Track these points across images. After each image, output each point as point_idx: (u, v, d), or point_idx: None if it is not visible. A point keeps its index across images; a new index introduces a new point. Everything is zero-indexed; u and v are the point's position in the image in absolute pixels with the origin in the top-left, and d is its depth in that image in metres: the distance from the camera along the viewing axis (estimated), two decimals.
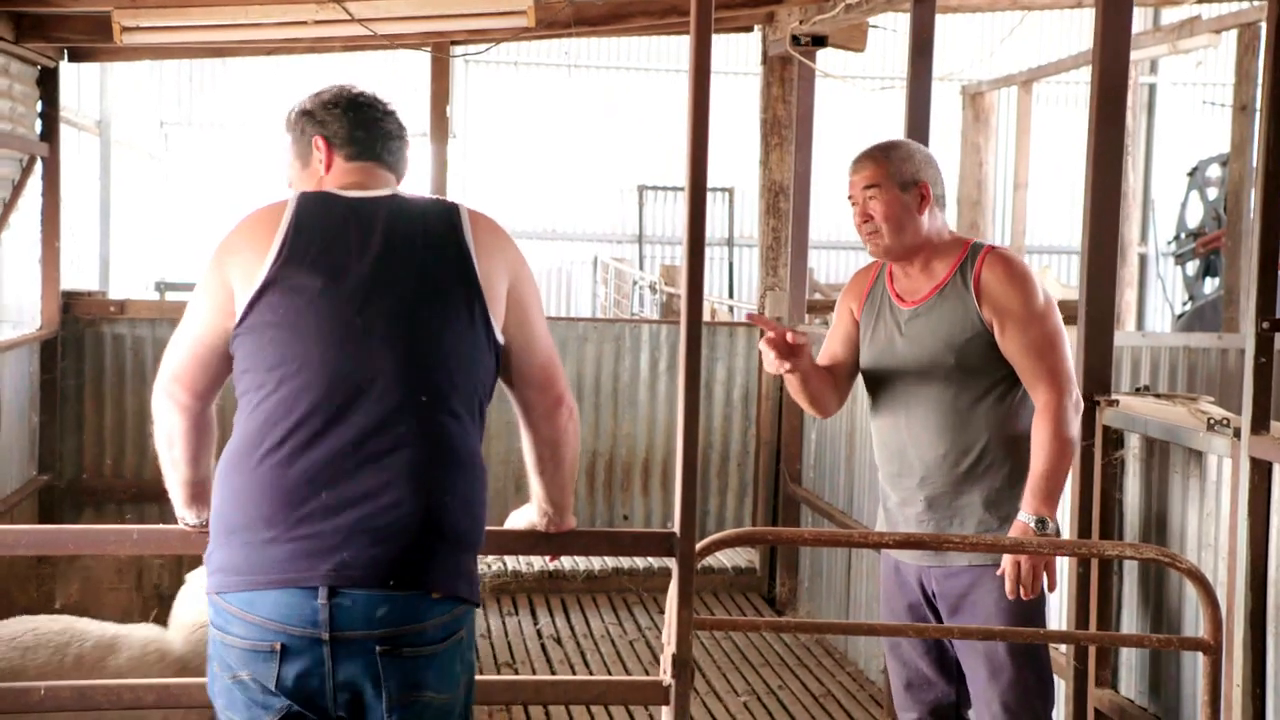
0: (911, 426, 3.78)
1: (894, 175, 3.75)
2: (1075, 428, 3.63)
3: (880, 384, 3.87)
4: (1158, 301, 18.66)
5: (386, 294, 2.77)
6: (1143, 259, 17.70)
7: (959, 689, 3.84)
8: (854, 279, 4.04)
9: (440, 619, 2.71)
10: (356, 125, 3.01)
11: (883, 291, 3.88)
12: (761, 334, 3.94)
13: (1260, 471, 3.41)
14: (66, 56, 6.95)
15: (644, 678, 3.84)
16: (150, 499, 6.76)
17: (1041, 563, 3.55)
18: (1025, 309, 3.64)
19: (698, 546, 3.31)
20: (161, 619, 4.51)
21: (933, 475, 3.74)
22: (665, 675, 3.31)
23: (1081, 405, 3.70)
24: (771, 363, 3.78)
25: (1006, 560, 3.56)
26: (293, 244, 2.78)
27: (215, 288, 2.84)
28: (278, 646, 2.65)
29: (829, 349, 4.05)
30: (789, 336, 3.74)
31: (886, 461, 3.88)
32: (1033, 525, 3.54)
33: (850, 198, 3.82)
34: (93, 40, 6.21)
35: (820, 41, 7.27)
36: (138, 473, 7.11)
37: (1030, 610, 3.62)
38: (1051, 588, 3.61)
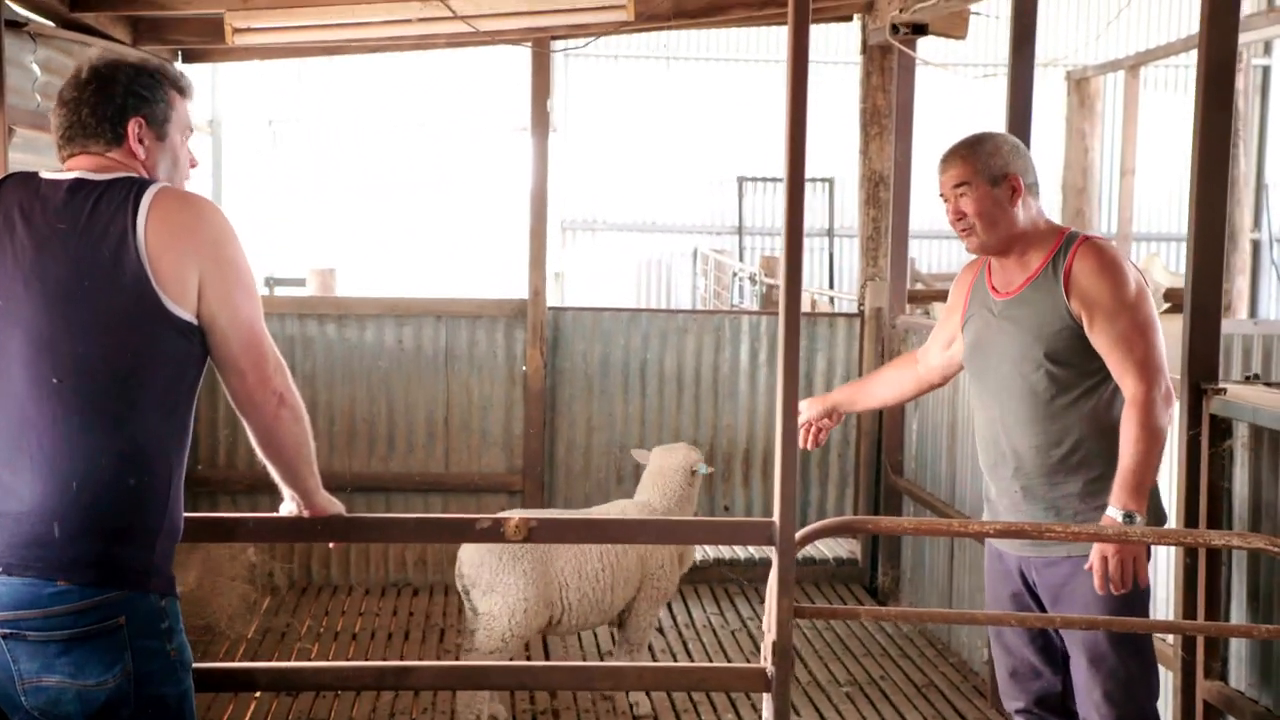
0: (1005, 418, 3.78)
1: (982, 171, 3.75)
2: (1164, 420, 3.58)
3: (977, 375, 3.90)
4: (1272, 288, 18.24)
5: (35, 280, 2.79)
6: (1255, 245, 17.31)
7: (1065, 679, 3.82)
8: (962, 271, 4.09)
9: (69, 606, 2.70)
10: None
11: (983, 283, 3.91)
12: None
13: None
14: (181, 58, 7.12)
15: (746, 665, 3.86)
16: (263, 490, 6.89)
17: (1130, 557, 3.50)
18: (1113, 300, 3.61)
19: (797, 535, 3.32)
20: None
21: (1026, 466, 3.75)
22: (766, 663, 3.33)
23: (1173, 397, 3.64)
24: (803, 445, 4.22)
25: (1094, 555, 3.53)
26: None
27: None
28: None
29: (936, 337, 4.15)
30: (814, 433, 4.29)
31: (984, 452, 3.92)
32: (1120, 519, 3.50)
33: (942, 195, 3.84)
34: (205, 42, 6.37)
35: (920, 30, 7.23)
36: (249, 464, 7.27)
37: (1130, 601, 3.59)
38: (1143, 583, 3.57)
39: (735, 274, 16.05)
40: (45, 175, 2.92)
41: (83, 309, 2.77)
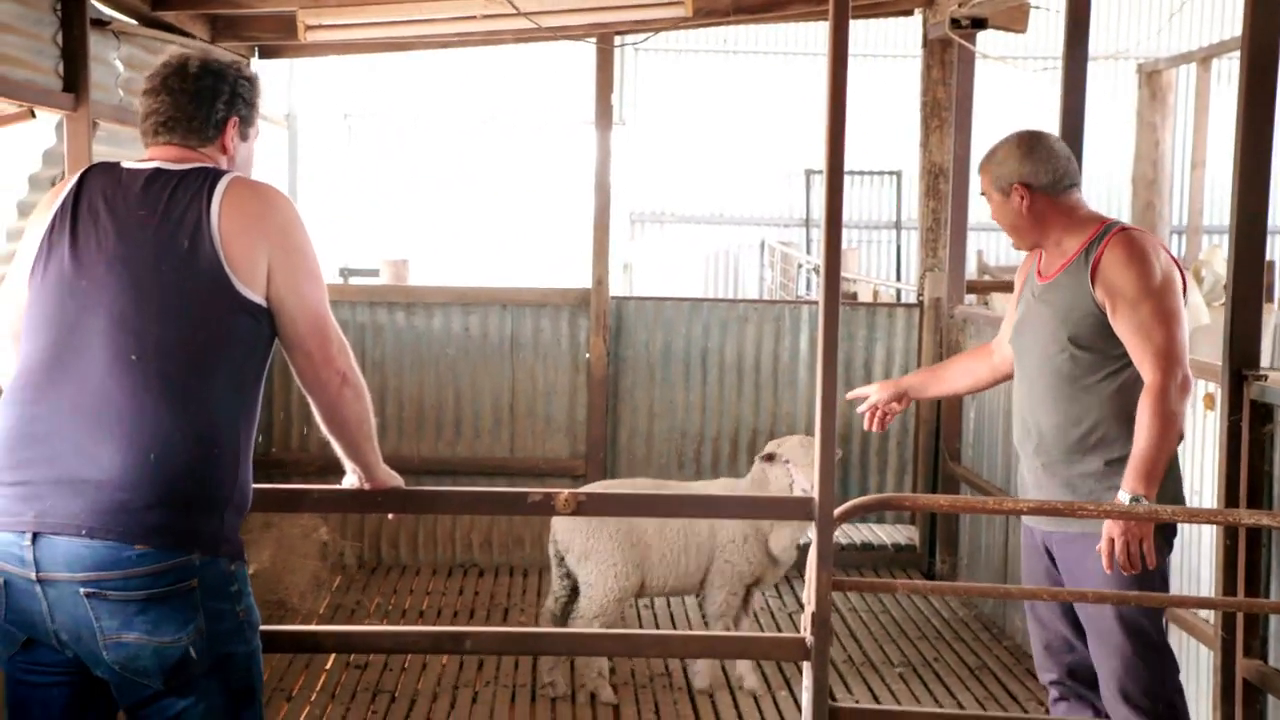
0: (1033, 395, 3.93)
1: (994, 183, 3.95)
2: (1179, 408, 3.65)
3: (1018, 355, 4.05)
4: None
5: (116, 263, 2.94)
6: None
7: None
8: (1025, 258, 4.21)
9: (147, 568, 2.84)
10: None
11: (1034, 268, 4.05)
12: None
13: None
14: (257, 54, 7.33)
15: (786, 634, 3.98)
16: (333, 471, 7.08)
17: (1136, 539, 3.59)
18: (1136, 290, 3.69)
19: (836, 511, 3.43)
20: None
21: (1047, 443, 3.87)
22: (806, 633, 3.45)
23: (1190, 386, 3.70)
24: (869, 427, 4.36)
25: (1103, 536, 3.63)
26: None
27: None
28: (1, 582, 2.91)
29: (1005, 326, 4.29)
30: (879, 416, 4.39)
31: (1016, 427, 4.07)
32: (1127, 503, 3.59)
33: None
34: (280, 38, 6.54)
35: (980, 24, 7.28)
36: (321, 448, 7.46)
37: (1141, 584, 3.67)
38: (1151, 565, 3.63)
39: (801, 266, 16.12)
40: (126, 165, 3.09)
41: (160, 291, 2.93)
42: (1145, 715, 3.72)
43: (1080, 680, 3.94)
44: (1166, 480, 3.72)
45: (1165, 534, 3.82)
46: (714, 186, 19.43)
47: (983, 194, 4.03)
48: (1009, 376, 4.34)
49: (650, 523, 5.61)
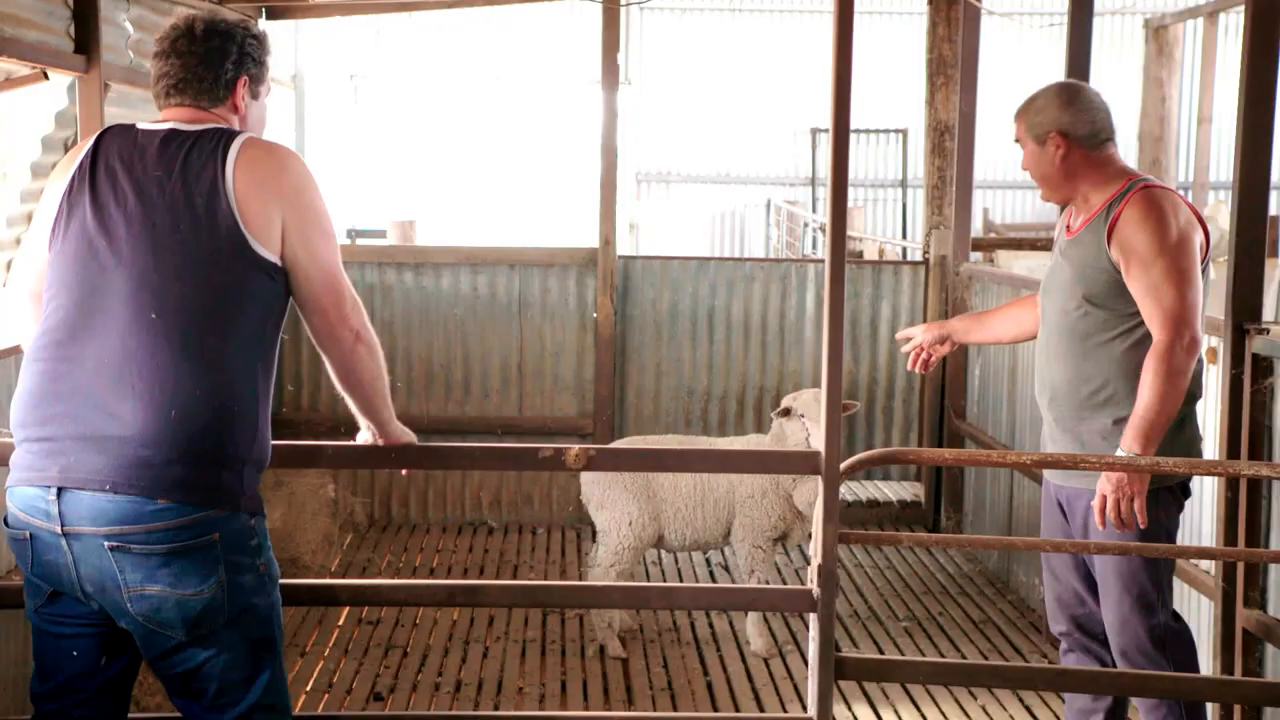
0: (1049, 350, 3.96)
1: (1030, 130, 3.91)
2: (1184, 368, 3.65)
3: (1042, 309, 4.07)
4: None
5: (135, 224, 2.99)
6: None
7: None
8: (1063, 212, 4.19)
9: (170, 522, 2.90)
10: None
11: (1064, 223, 4.07)
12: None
13: None
14: (265, 15, 7.35)
15: (793, 587, 4.04)
16: (346, 433, 7.13)
17: (1126, 498, 3.62)
18: (1150, 249, 3.68)
19: (842, 465, 3.48)
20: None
21: (1059, 398, 3.91)
22: (813, 584, 3.51)
23: (1198, 349, 3.69)
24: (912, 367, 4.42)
25: (1097, 494, 3.67)
26: None
27: None
28: (27, 535, 2.99)
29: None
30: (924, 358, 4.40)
31: (1036, 381, 4.08)
32: (1133, 491, 3.61)
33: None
34: (285, 0, 6.54)
35: None
36: (332, 408, 7.54)
37: (1144, 541, 3.71)
38: (1143, 524, 3.66)
39: (807, 225, 16.13)
40: (142, 126, 3.13)
41: (178, 250, 2.98)
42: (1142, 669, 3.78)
43: (1087, 633, 4.00)
44: (1179, 438, 3.74)
45: (1177, 492, 3.85)
46: (719, 146, 19.42)
47: (1016, 141, 3.98)
48: None
49: (665, 477, 5.72)
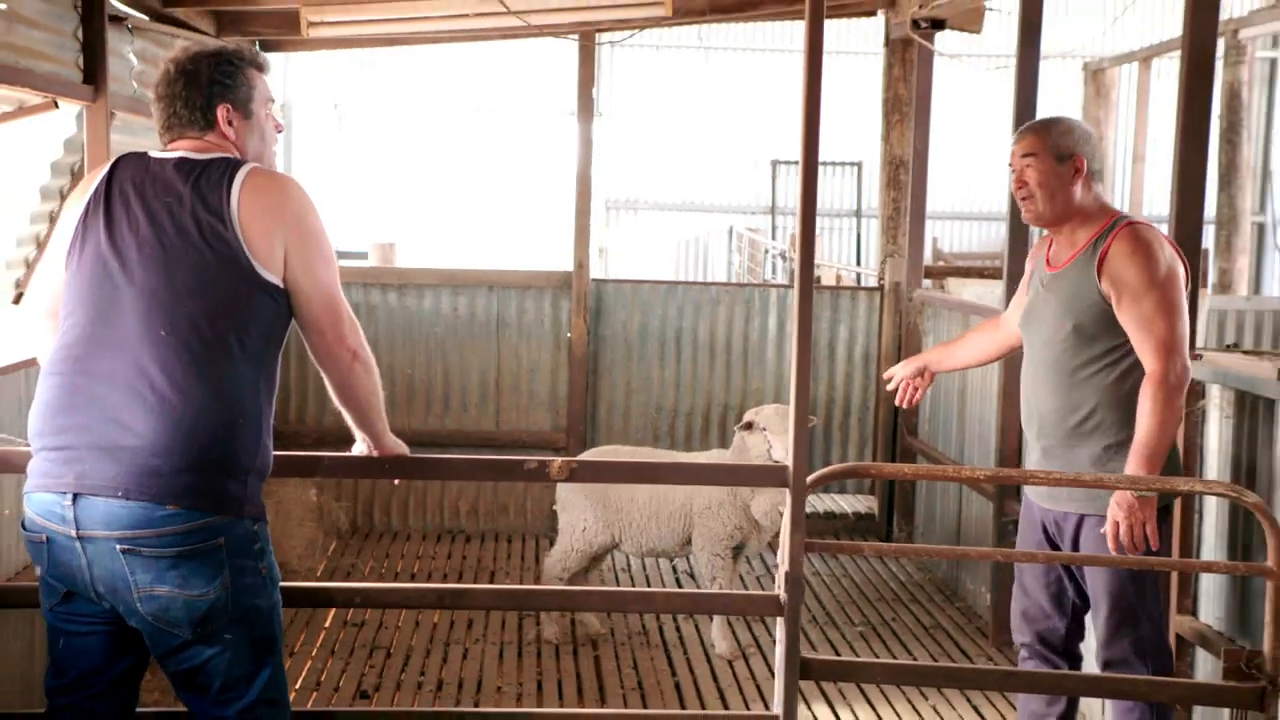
0: (1036, 380, 3.94)
1: (1051, 147, 3.87)
2: (1178, 396, 3.65)
3: (1026, 341, 4.06)
4: (1275, 268, 18.27)
5: (147, 246, 3.03)
6: (1259, 228, 17.35)
7: (1069, 625, 4.01)
8: (1036, 245, 4.20)
9: (178, 527, 2.94)
10: None
11: (1043, 257, 4.04)
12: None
13: None
14: (258, 47, 7.37)
15: (761, 592, 4.09)
16: (329, 442, 7.16)
17: (1140, 524, 3.61)
18: (1140, 282, 3.68)
19: (809, 479, 3.54)
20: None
21: (1046, 427, 3.90)
22: (780, 590, 3.56)
23: (1187, 377, 3.69)
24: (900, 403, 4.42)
25: (1109, 520, 3.66)
26: None
27: None
28: (44, 538, 3.03)
29: (1014, 304, 4.33)
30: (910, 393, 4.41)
31: (1021, 409, 4.07)
32: (1130, 491, 3.60)
33: (1010, 165, 3.98)
34: (281, 33, 6.58)
35: (939, 24, 7.39)
36: (317, 420, 7.56)
37: (1139, 567, 3.72)
38: (1155, 545, 3.66)
39: (768, 251, 16.23)
40: (153, 154, 3.17)
41: (186, 272, 3.01)
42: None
43: (1048, 645, 4.02)
44: (1166, 465, 3.73)
45: (1165, 516, 3.84)
46: (685, 175, 19.53)
47: (1027, 155, 3.89)
48: (1015, 349, 4.33)
49: (623, 488, 5.77)
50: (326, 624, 6.08)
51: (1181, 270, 3.77)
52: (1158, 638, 3.84)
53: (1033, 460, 4.02)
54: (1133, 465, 3.63)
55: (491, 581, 6.97)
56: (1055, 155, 3.86)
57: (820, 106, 3.44)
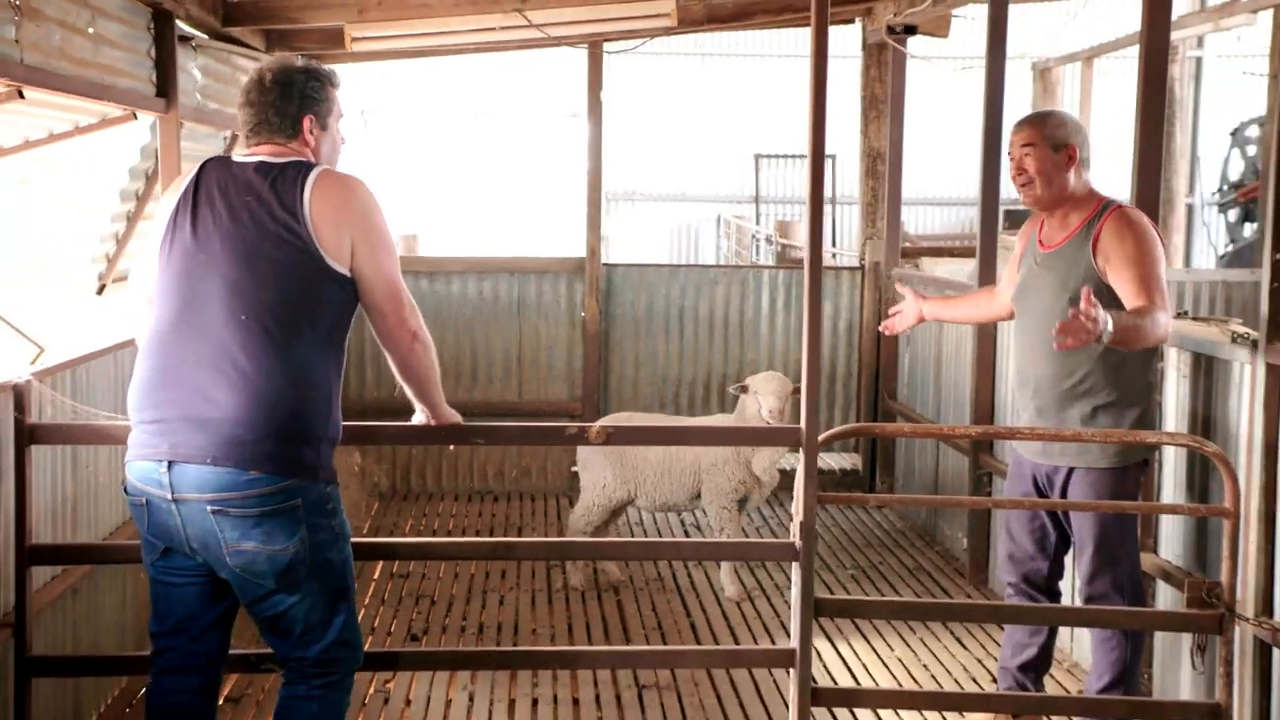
0: (1032, 348, 3.97)
1: (1048, 137, 3.89)
2: (1165, 320, 3.65)
3: (1020, 313, 4.10)
4: (1203, 245, 18.32)
5: (230, 241, 3.05)
6: (1190, 208, 17.39)
7: (1051, 566, 4.07)
8: (1025, 226, 4.21)
9: (261, 490, 2.98)
10: None
11: (1035, 237, 4.07)
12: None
13: (1274, 375, 3.57)
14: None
15: (777, 540, 4.13)
16: (370, 414, 7.18)
17: (1085, 328, 3.37)
18: (1131, 256, 3.71)
19: (820, 437, 3.57)
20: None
21: (1041, 389, 3.93)
22: (795, 539, 3.60)
23: (1170, 329, 3.71)
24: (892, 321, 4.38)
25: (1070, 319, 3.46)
26: None
27: None
28: (144, 501, 3.07)
29: (1006, 278, 4.32)
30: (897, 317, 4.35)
31: (1016, 375, 4.11)
32: (1101, 322, 3.40)
33: (1009, 154, 4.00)
34: (324, 48, 6.55)
35: (911, 30, 7.40)
36: (358, 394, 7.57)
37: (1120, 522, 3.81)
38: (1097, 337, 3.42)
39: (754, 236, 16.23)
40: (235, 158, 3.18)
41: (264, 264, 3.04)
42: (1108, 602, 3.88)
43: (1032, 584, 4.08)
44: (1141, 421, 3.82)
45: (1143, 466, 3.91)
46: (677, 169, 19.52)
47: (1026, 145, 3.89)
48: (1003, 318, 4.39)
49: (638, 449, 5.82)
50: (375, 576, 6.11)
51: (1162, 248, 3.82)
52: (1134, 575, 3.90)
53: (1025, 419, 4.04)
54: (1113, 315, 3.47)
55: (520, 535, 7.00)
56: (1051, 145, 3.88)
57: (825, 108, 3.47)
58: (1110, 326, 3.43)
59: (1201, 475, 4.17)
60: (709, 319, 7.97)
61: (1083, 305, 3.37)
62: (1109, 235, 3.78)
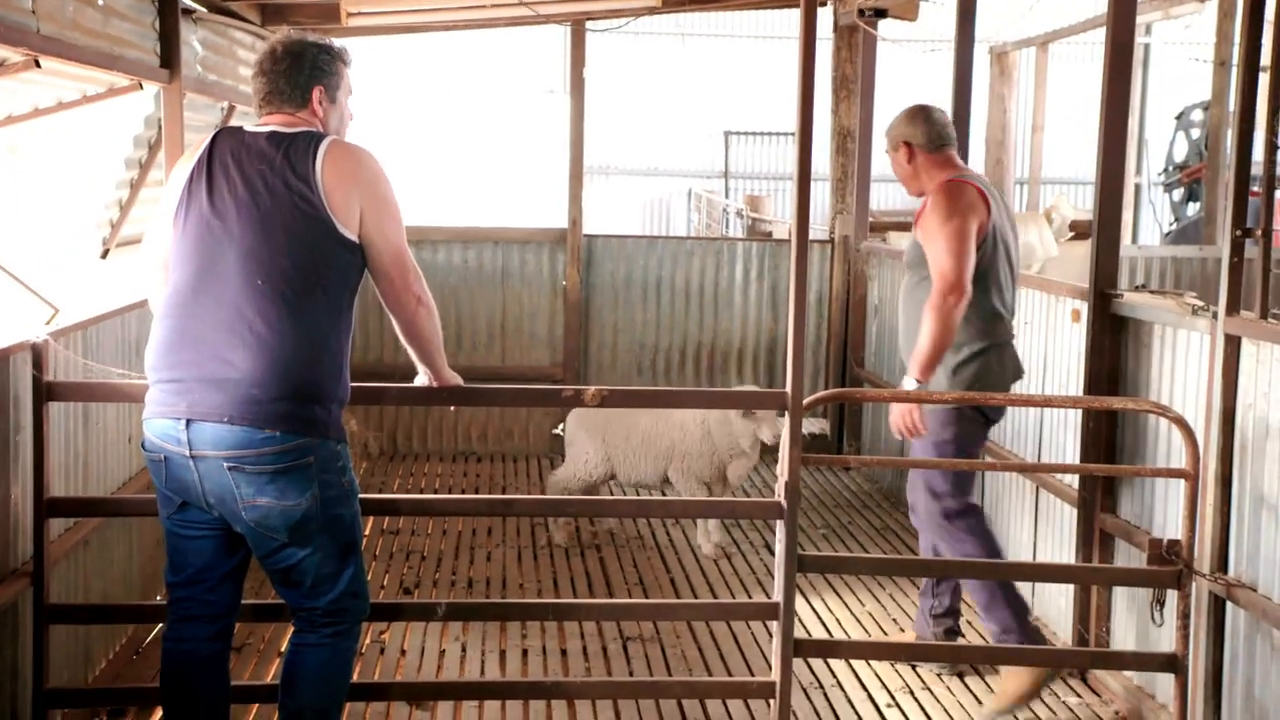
0: (903, 312, 4.37)
1: (890, 142, 4.29)
2: (951, 315, 3.96)
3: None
4: (1149, 222, 18.51)
5: (244, 208, 3.05)
6: (1137, 188, 17.54)
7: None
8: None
9: (275, 448, 2.99)
10: None
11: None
12: None
13: (1232, 344, 3.64)
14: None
15: (763, 499, 4.18)
16: (363, 378, 7.13)
17: (909, 415, 4.04)
18: (932, 228, 4.03)
19: (805, 401, 3.61)
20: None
21: (905, 348, 4.31)
22: (780, 498, 3.64)
23: (961, 299, 3.97)
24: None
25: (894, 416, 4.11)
26: None
27: None
28: (162, 458, 3.07)
29: None
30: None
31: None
32: (914, 385, 3.99)
33: None
34: (319, 24, 6.48)
35: (881, 13, 7.41)
36: (363, 356, 7.52)
37: (935, 449, 4.17)
38: (923, 431, 4.06)
39: (725, 209, 16.23)
40: (248, 128, 3.17)
41: (278, 230, 3.04)
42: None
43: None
44: (965, 372, 4.12)
45: (975, 415, 4.17)
46: (650, 144, 19.48)
47: (886, 152, 4.29)
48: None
49: (616, 431, 5.86)
50: (367, 533, 6.11)
51: (975, 220, 4.03)
52: (961, 508, 4.23)
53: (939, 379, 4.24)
54: (911, 367, 4.02)
55: (504, 494, 7.02)
56: (891, 147, 4.27)
57: (814, 88, 3.50)
58: (914, 382, 3.95)
59: (1147, 435, 4.22)
60: (685, 288, 7.98)
61: (893, 428, 4.02)
62: (924, 211, 4.12)
